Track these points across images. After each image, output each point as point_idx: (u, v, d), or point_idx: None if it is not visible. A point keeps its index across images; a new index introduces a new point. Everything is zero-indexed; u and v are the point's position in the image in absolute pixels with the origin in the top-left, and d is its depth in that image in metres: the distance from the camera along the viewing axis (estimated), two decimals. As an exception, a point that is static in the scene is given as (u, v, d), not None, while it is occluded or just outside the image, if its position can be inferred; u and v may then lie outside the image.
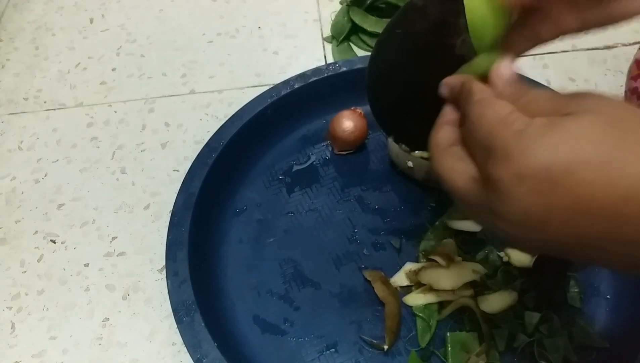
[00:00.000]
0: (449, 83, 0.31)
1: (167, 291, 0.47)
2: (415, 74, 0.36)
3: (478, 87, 0.28)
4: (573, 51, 0.70)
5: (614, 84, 0.66)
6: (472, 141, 0.27)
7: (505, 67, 0.29)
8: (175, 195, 0.52)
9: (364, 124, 0.58)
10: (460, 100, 0.30)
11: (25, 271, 0.55)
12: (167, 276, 0.47)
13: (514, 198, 0.24)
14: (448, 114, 0.32)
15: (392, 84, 0.39)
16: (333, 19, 0.75)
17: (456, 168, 0.28)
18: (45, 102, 0.70)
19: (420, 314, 0.48)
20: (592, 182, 0.22)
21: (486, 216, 0.27)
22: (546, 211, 0.24)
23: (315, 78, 0.60)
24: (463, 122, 0.29)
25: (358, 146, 0.60)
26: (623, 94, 0.57)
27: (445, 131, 0.31)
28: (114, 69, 0.73)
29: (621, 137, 0.23)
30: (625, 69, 0.56)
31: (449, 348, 0.46)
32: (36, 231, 0.58)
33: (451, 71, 0.32)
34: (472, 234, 0.52)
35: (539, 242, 0.25)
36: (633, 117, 0.24)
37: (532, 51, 0.31)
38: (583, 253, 0.25)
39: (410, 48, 0.35)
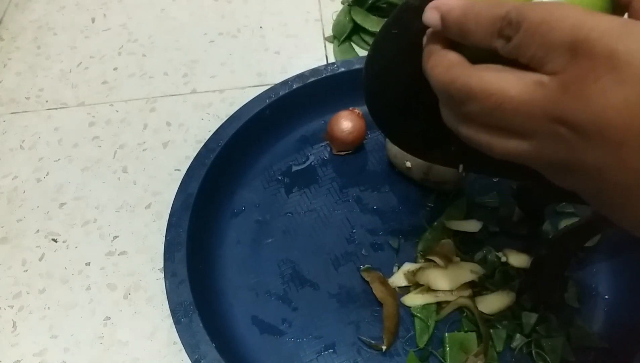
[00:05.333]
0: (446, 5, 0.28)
1: (166, 291, 0.47)
2: (411, 74, 0.36)
3: None
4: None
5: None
6: (536, 45, 0.24)
7: None
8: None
9: (363, 125, 0.58)
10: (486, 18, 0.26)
11: (26, 270, 0.56)
12: (165, 277, 0.47)
13: (604, 93, 0.21)
14: (435, 41, 0.29)
15: (388, 84, 0.39)
16: (334, 18, 0.75)
17: (508, 77, 0.25)
18: (47, 101, 0.70)
19: (419, 314, 0.48)
20: None
21: (545, 127, 0.24)
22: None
23: (313, 79, 0.60)
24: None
25: (356, 147, 0.60)
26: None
27: (452, 53, 0.28)
28: (115, 69, 0.73)
29: None
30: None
31: (447, 349, 0.46)
32: (38, 230, 0.58)
33: None
34: (471, 234, 0.52)
35: (613, 160, 0.22)
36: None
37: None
38: None
39: (406, 48, 0.35)
